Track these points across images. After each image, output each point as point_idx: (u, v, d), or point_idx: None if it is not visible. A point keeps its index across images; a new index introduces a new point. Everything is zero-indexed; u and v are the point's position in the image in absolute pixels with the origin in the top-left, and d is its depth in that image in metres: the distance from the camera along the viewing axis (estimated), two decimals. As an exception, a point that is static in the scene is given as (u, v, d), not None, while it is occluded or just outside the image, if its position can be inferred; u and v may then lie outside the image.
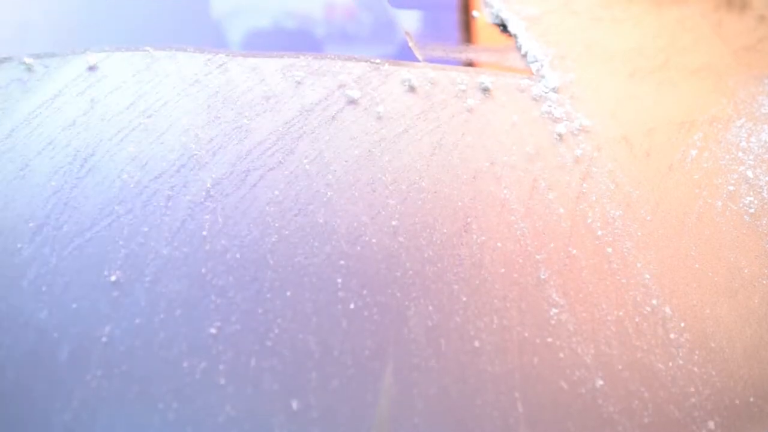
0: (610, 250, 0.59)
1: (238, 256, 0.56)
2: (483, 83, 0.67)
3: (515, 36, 0.81)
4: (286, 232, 0.57)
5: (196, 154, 0.62)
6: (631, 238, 0.60)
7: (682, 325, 0.55)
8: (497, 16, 0.84)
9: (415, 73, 0.68)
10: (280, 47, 0.69)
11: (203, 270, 0.55)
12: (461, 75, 0.69)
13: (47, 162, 0.62)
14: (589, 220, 0.61)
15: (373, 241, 0.57)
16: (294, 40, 0.86)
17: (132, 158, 0.62)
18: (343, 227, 0.58)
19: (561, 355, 0.52)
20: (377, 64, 0.69)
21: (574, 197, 0.63)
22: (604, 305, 0.55)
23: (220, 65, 0.68)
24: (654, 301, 0.56)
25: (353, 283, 0.55)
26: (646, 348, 0.53)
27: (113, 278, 0.54)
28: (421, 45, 0.74)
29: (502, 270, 0.57)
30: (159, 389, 0.48)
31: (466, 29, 0.85)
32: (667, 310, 0.56)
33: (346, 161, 0.63)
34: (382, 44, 0.80)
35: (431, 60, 0.72)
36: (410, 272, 0.56)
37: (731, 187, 0.66)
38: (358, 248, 0.57)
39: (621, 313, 0.55)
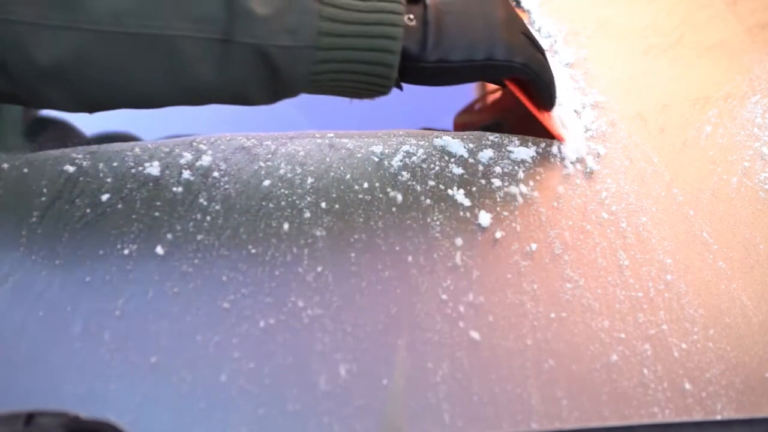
0: (624, 224, 0.59)
1: (251, 230, 0.56)
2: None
3: (528, 12, 0.80)
4: (301, 206, 0.57)
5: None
6: (645, 213, 0.60)
7: (697, 300, 0.55)
8: (510, -9, 0.84)
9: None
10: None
11: (216, 244, 0.55)
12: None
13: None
14: (603, 195, 0.61)
15: (387, 215, 0.57)
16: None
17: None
18: (356, 202, 0.58)
19: (575, 330, 0.52)
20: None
21: (588, 173, 0.62)
22: (618, 280, 0.55)
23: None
24: (669, 277, 0.56)
25: (366, 258, 0.55)
26: (660, 323, 0.53)
27: (126, 252, 0.54)
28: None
29: (516, 245, 0.56)
30: (172, 362, 0.49)
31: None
32: (682, 285, 0.55)
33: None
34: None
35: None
36: (423, 247, 0.55)
37: (746, 164, 0.65)
38: (371, 223, 0.57)
39: (636, 288, 0.55)
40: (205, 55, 0.52)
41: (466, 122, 0.73)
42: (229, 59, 0.53)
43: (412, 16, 0.56)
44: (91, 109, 0.58)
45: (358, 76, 0.56)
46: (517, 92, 0.63)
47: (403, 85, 0.60)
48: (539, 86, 0.62)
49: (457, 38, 0.57)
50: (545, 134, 0.65)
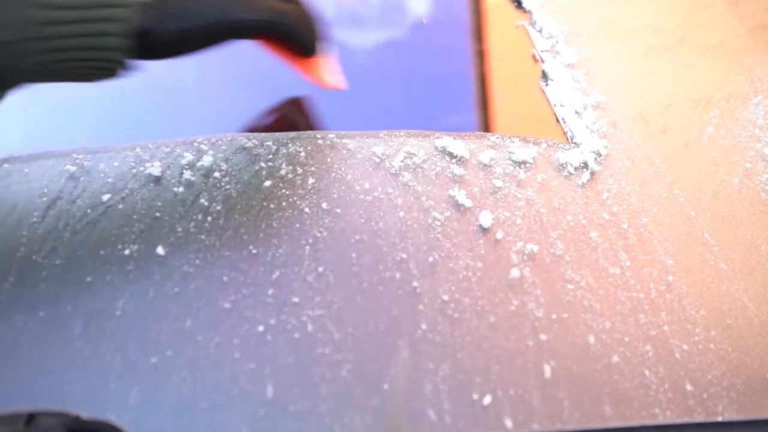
0: (625, 225, 0.59)
1: (252, 230, 0.55)
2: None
3: (530, 12, 0.80)
4: (302, 206, 0.57)
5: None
6: (646, 214, 0.60)
7: (698, 302, 0.54)
8: (512, -8, 0.84)
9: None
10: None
11: (217, 244, 0.54)
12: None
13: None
14: (605, 196, 0.61)
15: (388, 216, 0.57)
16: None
17: (145, 135, 0.62)
18: (357, 203, 0.58)
19: (576, 331, 0.52)
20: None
21: (589, 174, 0.62)
22: (619, 281, 0.55)
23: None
24: (670, 278, 0.56)
25: (367, 259, 0.54)
26: (662, 324, 0.53)
27: (127, 252, 0.54)
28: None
29: (517, 246, 0.56)
30: (173, 362, 0.48)
31: (478, 6, 0.84)
32: (684, 286, 0.55)
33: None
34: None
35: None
36: (424, 247, 0.55)
37: (748, 165, 0.65)
38: (372, 224, 0.57)
39: (637, 289, 0.54)
40: None
41: (258, 126, 0.69)
42: None
43: None
44: None
45: (84, 62, 0.52)
46: (270, 48, 0.62)
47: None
48: (292, 38, 0.60)
49: (193, 5, 0.55)
50: (303, 120, 0.65)
